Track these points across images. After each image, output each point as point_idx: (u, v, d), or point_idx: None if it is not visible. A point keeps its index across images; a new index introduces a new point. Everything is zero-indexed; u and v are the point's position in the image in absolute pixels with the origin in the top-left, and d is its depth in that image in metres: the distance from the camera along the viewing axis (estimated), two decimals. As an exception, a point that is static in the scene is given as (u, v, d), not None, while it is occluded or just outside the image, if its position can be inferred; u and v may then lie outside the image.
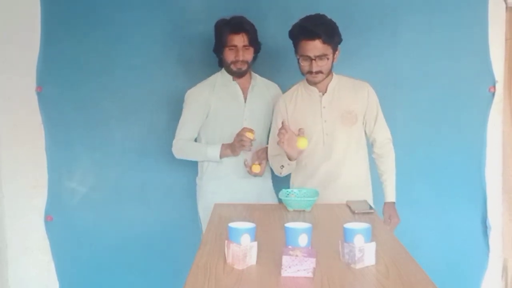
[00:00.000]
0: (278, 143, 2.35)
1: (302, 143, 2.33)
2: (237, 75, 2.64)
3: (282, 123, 2.35)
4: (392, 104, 2.92)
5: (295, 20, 2.47)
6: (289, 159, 2.41)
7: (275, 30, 2.78)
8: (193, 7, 3.00)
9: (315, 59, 2.36)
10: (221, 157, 2.61)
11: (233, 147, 2.55)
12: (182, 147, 2.68)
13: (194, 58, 3.00)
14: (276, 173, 2.59)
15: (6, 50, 3.00)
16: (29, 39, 2.98)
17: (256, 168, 2.56)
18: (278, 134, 2.33)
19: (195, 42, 2.99)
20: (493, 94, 2.98)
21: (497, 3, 2.95)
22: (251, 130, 2.49)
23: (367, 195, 2.54)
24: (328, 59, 2.38)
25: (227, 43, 2.56)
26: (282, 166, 2.47)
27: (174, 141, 2.68)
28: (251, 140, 2.48)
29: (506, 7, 2.97)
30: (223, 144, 2.60)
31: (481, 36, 2.96)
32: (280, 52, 2.82)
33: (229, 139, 2.61)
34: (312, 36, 2.33)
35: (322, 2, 2.70)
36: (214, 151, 2.61)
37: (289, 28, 2.45)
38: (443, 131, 3.01)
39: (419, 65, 2.99)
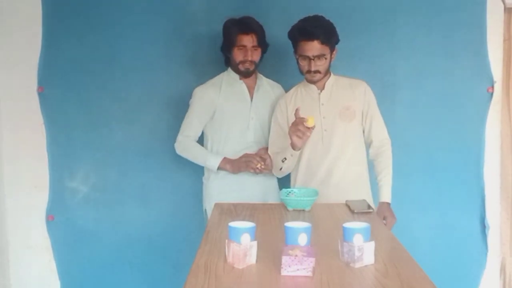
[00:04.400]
0: (290, 133, 2.37)
1: (311, 121, 2.33)
2: (245, 75, 2.66)
3: (296, 110, 2.37)
4: (391, 104, 2.94)
5: (295, 20, 2.49)
6: (293, 148, 2.42)
7: (275, 31, 2.79)
8: (194, 7, 3.00)
9: (313, 59, 2.42)
10: (218, 168, 2.64)
11: (237, 164, 2.61)
12: (186, 147, 2.71)
13: (196, 58, 3.01)
14: (275, 172, 2.61)
15: (8, 51, 3.01)
16: (31, 40, 2.98)
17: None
18: (295, 125, 2.34)
19: (197, 43, 3.00)
20: (492, 94, 3.00)
21: (496, 3, 2.96)
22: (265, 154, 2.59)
23: (366, 193, 2.57)
24: (326, 58, 2.44)
25: (236, 43, 2.59)
26: (284, 159, 2.49)
27: (179, 137, 2.71)
28: (260, 166, 2.56)
29: (505, 8, 2.98)
30: (225, 158, 2.63)
31: (480, 37, 2.97)
32: (280, 52, 2.83)
33: (236, 139, 2.66)
34: (310, 37, 2.39)
35: (322, 3, 2.72)
36: (214, 161, 2.64)
37: (289, 29, 2.48)
38: (441, 131, 3.02)
39: (418, 66, 3.01)
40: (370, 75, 2.70)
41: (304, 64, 2.45)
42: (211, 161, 2.65)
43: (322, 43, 2.40)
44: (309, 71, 2.45)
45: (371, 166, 2.61)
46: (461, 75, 3.00)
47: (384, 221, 2.47)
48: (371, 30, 2.98)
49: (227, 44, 2.64)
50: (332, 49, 2.46)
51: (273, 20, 2.86)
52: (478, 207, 3.04)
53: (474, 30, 2.97)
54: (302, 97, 2.57)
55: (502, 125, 3.05)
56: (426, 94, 3.02)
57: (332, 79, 2.55)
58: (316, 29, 2.39)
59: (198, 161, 2.71)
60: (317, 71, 2.45)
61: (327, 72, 2.52)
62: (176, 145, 2.72)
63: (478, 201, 3.04)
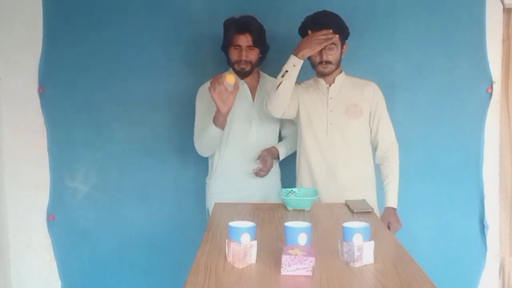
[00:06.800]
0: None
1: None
2: (241, 74, 2.66)
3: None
4: (390, 104, 2.92)
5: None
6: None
7: (275, 30, 2.80)
8: (195, 8, 3.01)
9: (325, 49, 2.44)
10: (216, 123, 2.48)
11: (216, 103, 2.43)
12: (197, 138, 2.63)
13: (196, 59, 3.02)
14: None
15: (9, 51, 3.02)
16: (32, 40, 3.00)
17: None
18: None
19: (197, 43, 3.01)
20: (491, 94, 3.00)
21: (494, 4, 2.97)
22: (231, 74, 2.44)
23: (371, 193, 2.57)
24: (337, 48, 2.47)
25: (232, 42, 2.59)
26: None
27: (194, 142, 2.64)
28: (224, 82, 2.37)
29: (503, 8, 2.99)
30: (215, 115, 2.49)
31: (479, 37, 2.98)
32: (281, 53, 2.84)
33: (238, 139, 2.65)
34: (323, 26, 2.43)
35: (322, 3, 2.72)
36: (211, 123, 2.50)
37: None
38: (441, 131, 3.03)
39: (417, 66, 3.01)
40: (369, 75, 2.70)
41: (315, 55, 2.47)
42: (210, 126, 2.50)
43: (334, 32, 2.43)
44: (321, 62, 2.48)
45: (377, 169, 2.61)
46: (460, 75, 3.01)
47: (387, 227, 2.45)
48: (371, 31, 2.99)
49: (225, 43, 2.65)
50: (342, 42, 2.49)
51: (274, 20, 2.86)
52: (477, 207, 3.05)
53: (473, 30, 2.98)
54: (313, 89, 2.59)
55: (501, 125, 3.06)
56: (425, 94, 3.03)
57: (342, 76, 2.57)
58: (328, 19, 2.44)
59: (206, 137, 2.55)
60: (329, 62, 2.47)
61: (338, 65, 2.54)
62: (195, 146, 2.65)
63: (477, 201, 3.05)
